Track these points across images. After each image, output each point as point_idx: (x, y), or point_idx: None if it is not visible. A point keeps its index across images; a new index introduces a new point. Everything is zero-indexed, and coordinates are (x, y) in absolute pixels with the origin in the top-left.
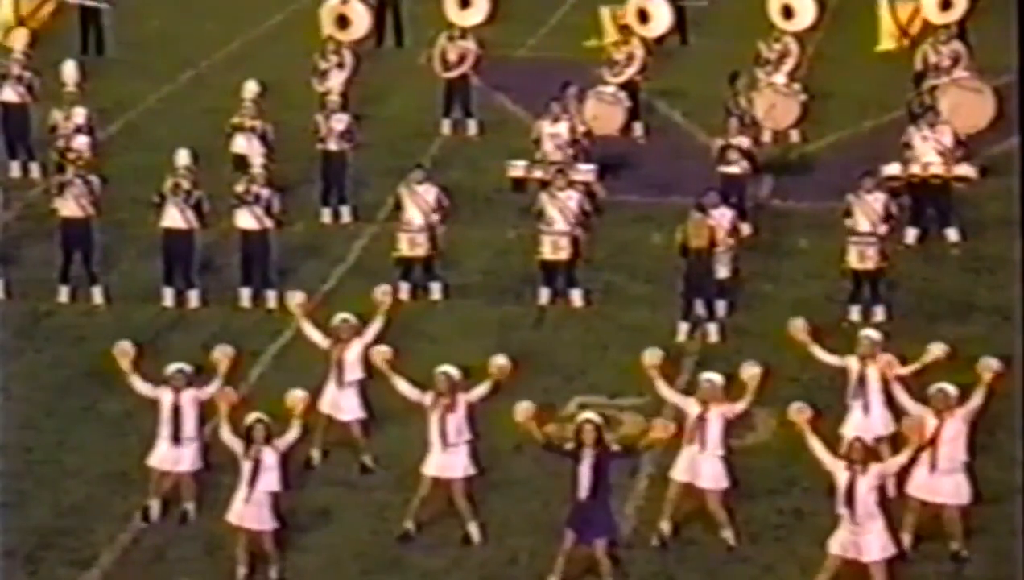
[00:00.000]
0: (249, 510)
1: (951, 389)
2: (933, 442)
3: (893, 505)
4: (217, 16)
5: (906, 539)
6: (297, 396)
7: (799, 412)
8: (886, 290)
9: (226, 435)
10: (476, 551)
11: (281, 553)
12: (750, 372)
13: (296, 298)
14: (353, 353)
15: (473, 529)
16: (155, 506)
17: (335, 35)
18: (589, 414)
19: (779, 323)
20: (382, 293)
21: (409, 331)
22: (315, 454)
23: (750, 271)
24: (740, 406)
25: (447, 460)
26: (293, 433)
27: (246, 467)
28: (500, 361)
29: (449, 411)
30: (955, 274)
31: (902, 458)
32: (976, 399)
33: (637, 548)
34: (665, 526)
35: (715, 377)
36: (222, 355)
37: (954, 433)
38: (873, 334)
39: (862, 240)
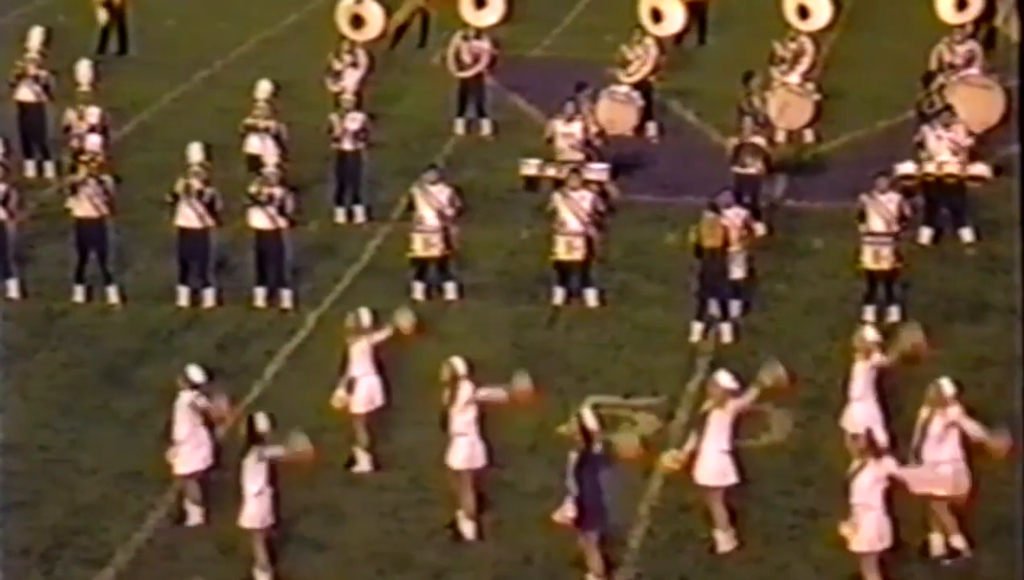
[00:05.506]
0: (265, 507)
1: (946, 385)
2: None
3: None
4: (231, 16)
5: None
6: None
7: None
8: (901, 290)
9: (279, 451)
10: (490, 550)
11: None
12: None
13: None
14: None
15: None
16: (195, 512)
17: (349, 35)
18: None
19: (793, 323)
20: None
21: (423, 331)
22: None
23: (764, 271)
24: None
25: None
26: None
27: (262, 467)
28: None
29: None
30: (970, 274)
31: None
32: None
33: (649, 547)
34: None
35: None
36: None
37: (941, 430)
38: (871, 332)
39: (876, 240)
